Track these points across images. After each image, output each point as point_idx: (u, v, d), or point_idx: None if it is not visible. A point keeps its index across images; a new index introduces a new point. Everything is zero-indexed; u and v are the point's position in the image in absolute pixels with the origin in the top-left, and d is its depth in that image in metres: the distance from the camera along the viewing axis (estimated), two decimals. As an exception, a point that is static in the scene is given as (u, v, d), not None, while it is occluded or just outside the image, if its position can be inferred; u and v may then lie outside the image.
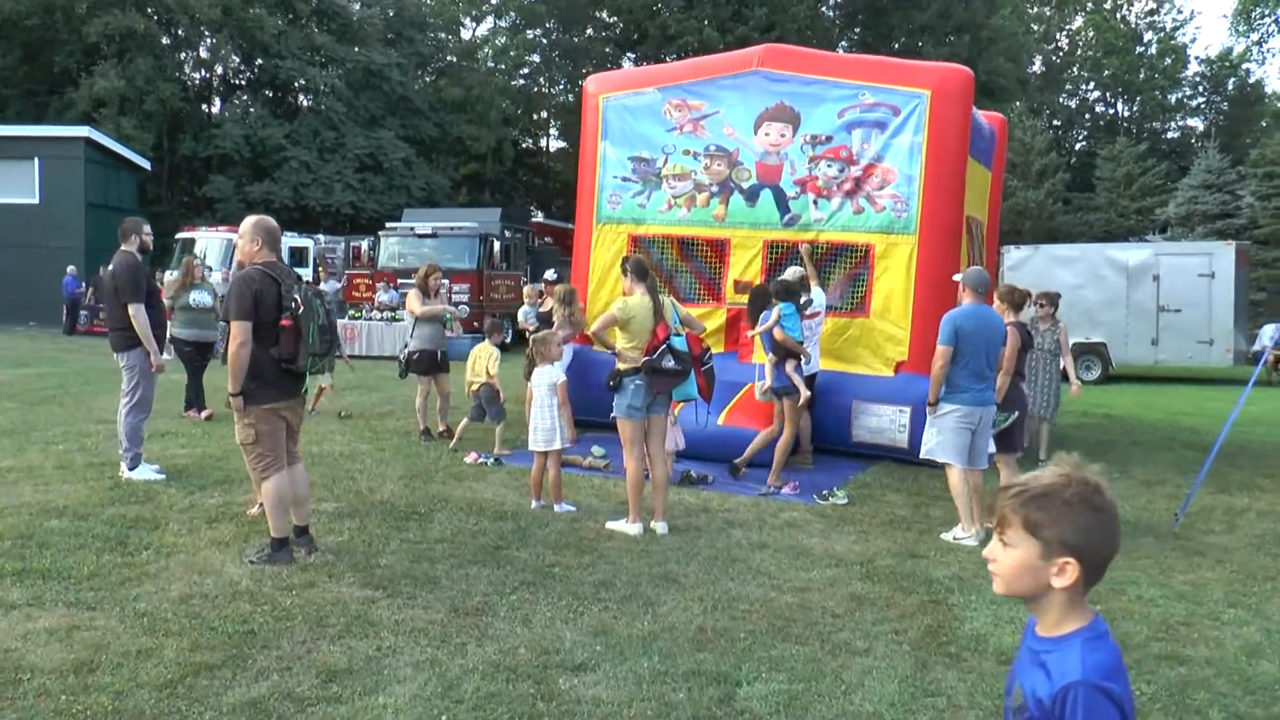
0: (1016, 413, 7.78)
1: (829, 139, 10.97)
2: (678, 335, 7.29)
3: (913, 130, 10.60)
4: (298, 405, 6.26)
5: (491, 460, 9.54)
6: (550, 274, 12.25)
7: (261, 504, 7.49)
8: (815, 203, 11.00)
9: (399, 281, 23.89)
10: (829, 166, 10.95)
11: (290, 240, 26.43)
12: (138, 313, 8.17)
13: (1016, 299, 8.16)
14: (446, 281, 11.87)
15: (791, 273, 9.99)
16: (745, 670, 4.65)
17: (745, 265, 11.25)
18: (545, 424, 7.78)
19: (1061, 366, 10.79)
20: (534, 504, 7.84)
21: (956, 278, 8.29)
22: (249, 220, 6.29)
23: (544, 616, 5.27)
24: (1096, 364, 20.41)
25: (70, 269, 27.34)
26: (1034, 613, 1.94)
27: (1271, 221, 32.47)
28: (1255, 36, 32.71)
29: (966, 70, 10.96)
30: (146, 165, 34.53)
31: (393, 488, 8.35)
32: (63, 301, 27.17)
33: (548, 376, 7.84)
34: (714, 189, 11.42)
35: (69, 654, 4.56)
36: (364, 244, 28.11)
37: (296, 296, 5.92)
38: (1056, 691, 1.79)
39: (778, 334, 8.82)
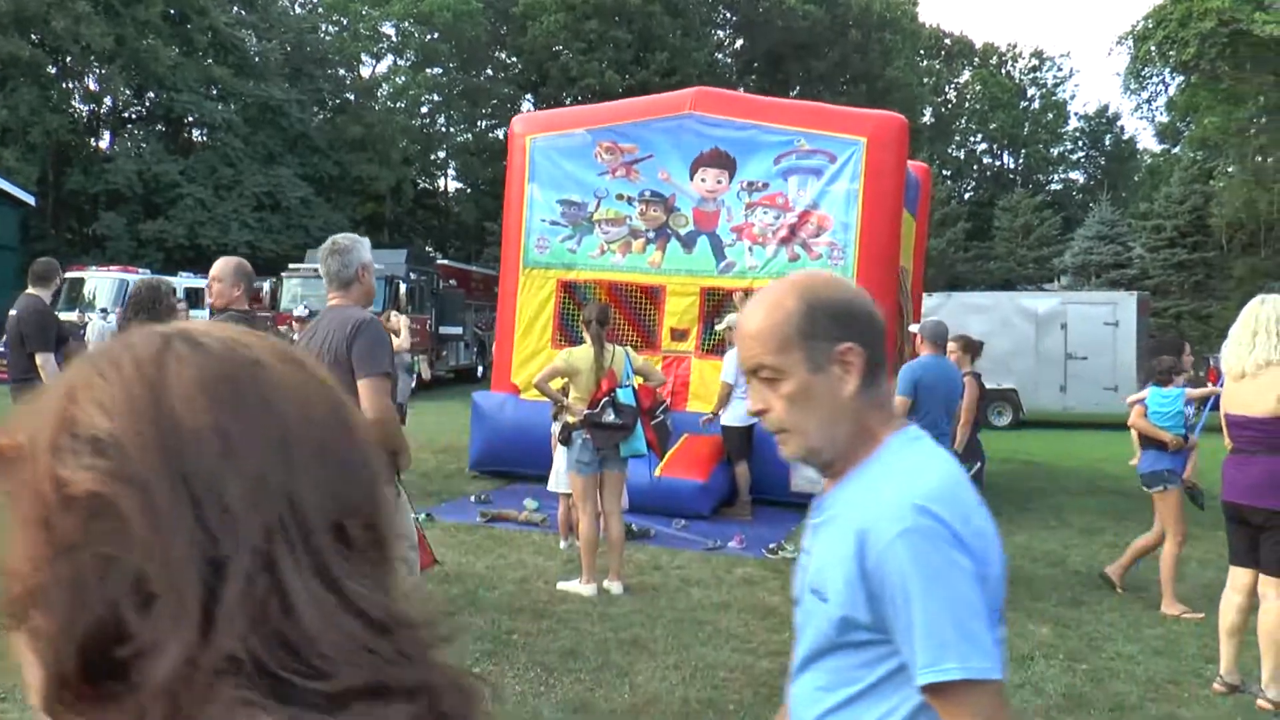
0: (979, 463, 7.67)
1: (765, 185, 10.85)
2: (626, 387, 6.96)
3: (849, 178, 10.55)
4: None
5: (423, 516, 9.07)
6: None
7: None
8: (751, 250, 10.85)
9: (304, 325, 23.11)
10: (765, 213, 10.83)
11: (185, 281, 25.34)
12: (46, 362, 7.51)
13: (975, 347, 8.08)
14: (405, 319, 11.33)
15: (732, 319, 9.82)
16: (743, 749, 4.35)
17: (682, 312, 11.02)
18: None
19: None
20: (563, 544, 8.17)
21: (913, 329, 8.20)
22: (229, 263, 5.73)
23: (514, 691, 4.88)
24: (1008, 410, 20.67)
25: (-54, 309, 25.81)
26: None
27: (1160, 273, 33.74)
28: (1145, 94, 33.97)
29: (901, 118, 10.99)
30: (30, 200, 32.98)
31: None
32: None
33: None
34: (650, 235, 11.18)
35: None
36: (265, 285, 27.13)
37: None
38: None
39: (1138, 421, 7.14)
